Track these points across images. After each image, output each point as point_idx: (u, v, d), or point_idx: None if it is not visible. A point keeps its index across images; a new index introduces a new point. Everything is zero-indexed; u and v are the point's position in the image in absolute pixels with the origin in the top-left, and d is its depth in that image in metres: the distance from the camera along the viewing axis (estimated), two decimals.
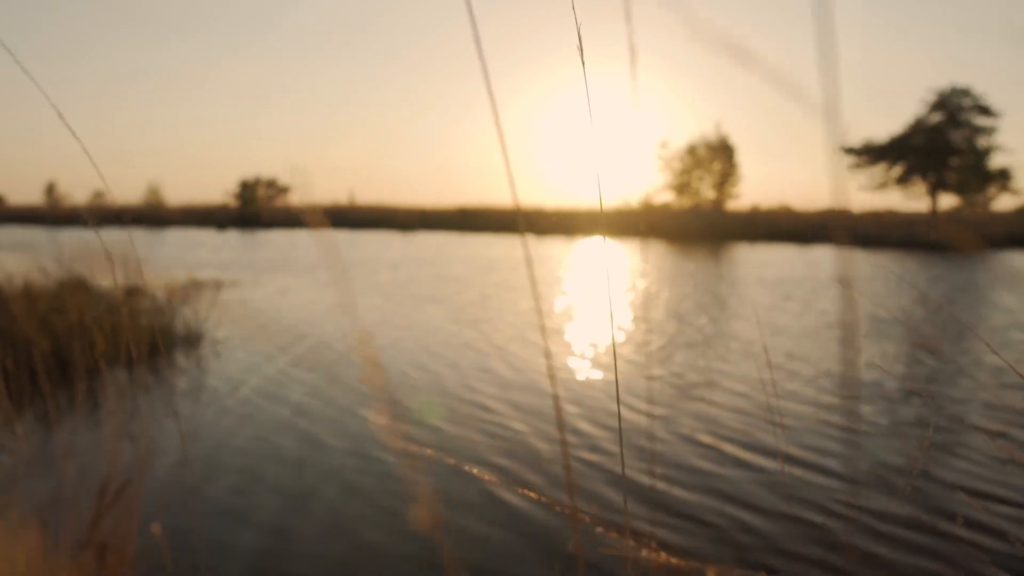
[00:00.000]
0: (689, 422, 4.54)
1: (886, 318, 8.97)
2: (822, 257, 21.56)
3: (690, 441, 4.17)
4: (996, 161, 37.66)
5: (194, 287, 7.99)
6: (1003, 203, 39.40)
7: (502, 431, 4.33)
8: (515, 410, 4.77)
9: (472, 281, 13.47)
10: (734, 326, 8.64)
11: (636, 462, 3.86)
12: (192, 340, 6.88)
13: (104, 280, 6.88)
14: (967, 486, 3.46)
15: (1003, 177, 37.70)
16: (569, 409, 4.79)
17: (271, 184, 54.22)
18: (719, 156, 41.68)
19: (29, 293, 5.94)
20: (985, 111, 37.36)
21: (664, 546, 2.87)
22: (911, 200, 39.19)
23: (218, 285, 10.24)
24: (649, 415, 4.76)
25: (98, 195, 50.53)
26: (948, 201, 39.02)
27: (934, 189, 38.47)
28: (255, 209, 48.27)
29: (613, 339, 1.01)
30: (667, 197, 42.37)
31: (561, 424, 0.82)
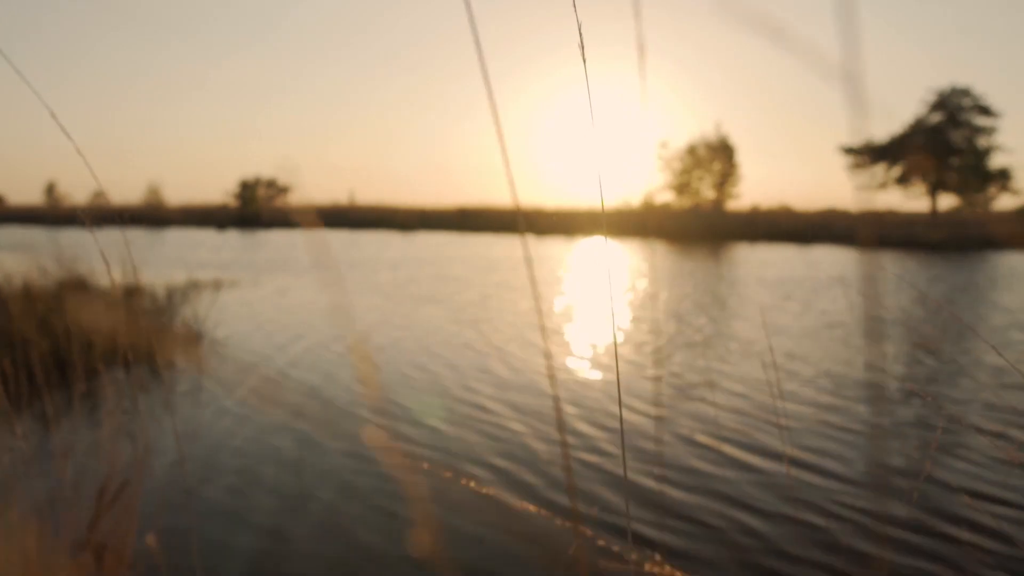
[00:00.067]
0: (689, 423, 4.53)
1: (886, 318, 8.96)
2: (822, 257, 21.55)
3: (690, 442, 4.16)
4: (996, 161, 37.71)
5: (193, 287, 7.97)
6: (1003, 203, 39.36)
7: (501, 432, 4.32)
8: (514, 411, 4.76)
9: (472, 281, 13.46)
10: (734, 326, 8.63)
11: (637, 463, 3.86)
12: (191, 340, 6.87)
13: (103, 280, 6.88)
14: (969, 488, 3.45)
15: (1003, 177, 37.72)
16: (568, 410, 4.78)
17: (271, 184, 54.22)
18: (719, 156, 41.70)
19: (28, 293, 5.93)
20: (985, 111, 37.38)
21: (666, 551, 2.86)
22: (911, 200, 39.22)
23: (217, 285, 10.23)
24: (649, 416, 4.75)
25: (98, 195, 50.52)
26: (948, 201, 39.05)
27: (934, 189, 38.48)
28: (255, 209, 48.25)
29: (614, 339, 1.00)
30: (667, 197, 42.40)
31: (561, 425, 0.81)
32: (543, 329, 0.86)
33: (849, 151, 39.69)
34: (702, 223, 33.59)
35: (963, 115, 37.57)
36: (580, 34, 0.78)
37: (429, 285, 12.71)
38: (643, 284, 13.59)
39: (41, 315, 5.47)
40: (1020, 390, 5.44)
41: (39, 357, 4.83)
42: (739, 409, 4.85)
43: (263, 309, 9.51)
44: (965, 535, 2.93)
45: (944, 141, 37.32)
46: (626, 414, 4.72)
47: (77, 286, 6.34)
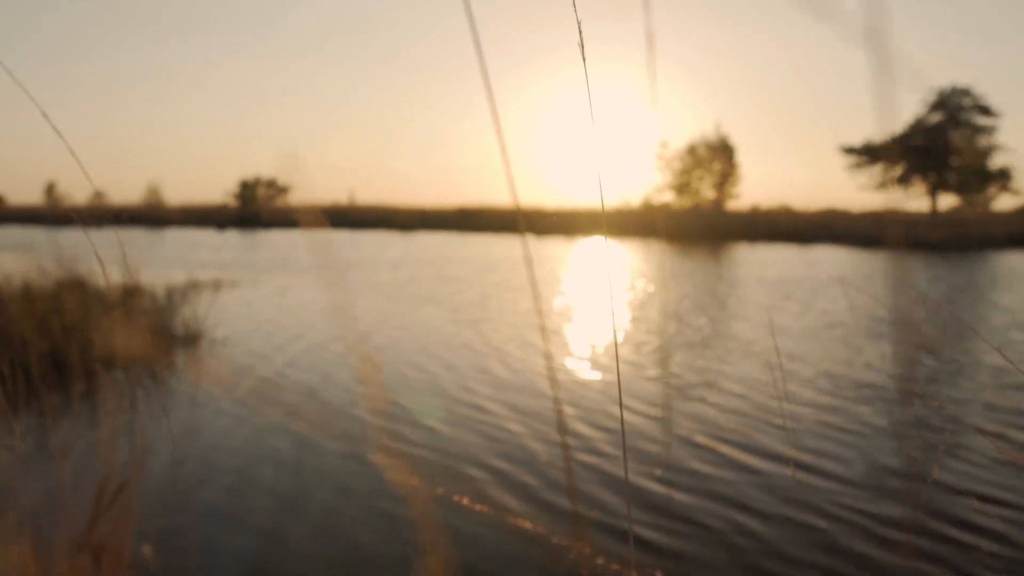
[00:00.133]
0: (689, 423, 4.52)
1: (886, 318, 8.95)
2: (822, 257, 21.55)
3: (691, 443, 4.15)
4: (996, 161, 37.71)
5: (193, 287, 7.96)
6: (1003, 203, 39.41)
7: (500, 433, 4.31)
8: (513, 411, 4.76)
9: (472, 281, 13.46)
10: (734, 326, 8.63)
11: (637, 464, 3.85)
12: (190, 340, 6.87)
13: (102, 280, 6.87)
14: (970, 489, 3.45)
15: (1003, 177, 37.72)
16: (568, 411, 4.78)
17: (271, 184, 54.21)
18: (719, 156, 41.68)
19: (27, 293, 5.92)
20: (985, 111, 37.38)
21: (667, 554, 2.85)
22: (911, 200, 39.22)
23: (217, 285, 10.22)
24: (649, 417, 4.75)
25: (98, 195, 50.50)
26: (948, 201, 39.06)
27: (934, 189, 38.48)
28: (255, 209, 48.24)
29: (614, 340, 1.00)
30: (667, 197, 42.39)
31: (561, 426, 0.80)
32: (543, 329, 0.85)
33: (849, 151, 39.69)
34: (702, 223, 33.57)
35: (963, 115, 37.57)
36: (580, 33, 0.77)
37: (429, 285, 12.70)
38: (643, 284, 13.59)
39: (40, 315, 5.46)
40: (1021, 390, 5.43)
41: (37, 357, 4.83)
42: (739, 410, 4.85)
43: (262, 309, 9.50)
44: (966, 537, 2.92)
45: (944, 141, 37.32)
46: (626, 415, 4.71)
47: (76, 286, 6.33)
